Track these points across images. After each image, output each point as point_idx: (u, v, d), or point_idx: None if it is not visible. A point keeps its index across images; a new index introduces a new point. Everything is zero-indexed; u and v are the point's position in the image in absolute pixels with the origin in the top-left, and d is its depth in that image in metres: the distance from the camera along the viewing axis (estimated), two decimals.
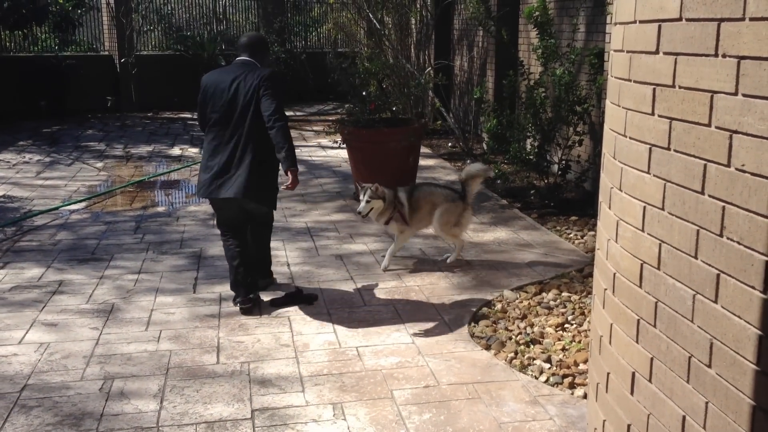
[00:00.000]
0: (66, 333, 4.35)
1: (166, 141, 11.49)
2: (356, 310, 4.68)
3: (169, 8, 15.83)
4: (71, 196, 7.84)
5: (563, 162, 7.21)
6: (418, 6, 10.95)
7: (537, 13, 7.05)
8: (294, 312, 4.65)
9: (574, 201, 7.24)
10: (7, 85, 13.30)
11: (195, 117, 13.97)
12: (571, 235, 6.23)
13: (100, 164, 9.63)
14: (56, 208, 7.28)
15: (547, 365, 3.91)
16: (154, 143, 11.28)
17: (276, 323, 4.49)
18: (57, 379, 3.77)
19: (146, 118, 13.86)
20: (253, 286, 4.69)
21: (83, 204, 7.51)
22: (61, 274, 5.37)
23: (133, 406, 3.51)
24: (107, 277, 5.29)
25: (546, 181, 7.32)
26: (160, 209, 7.42)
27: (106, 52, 15.02)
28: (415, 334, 4.30)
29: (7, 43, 14.47)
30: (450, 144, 10.44)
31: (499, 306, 4.72)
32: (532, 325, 4.42)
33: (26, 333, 4.34)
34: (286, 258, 5.70)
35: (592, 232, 6.16)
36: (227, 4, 16.33)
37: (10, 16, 11.92)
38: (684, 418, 2.06)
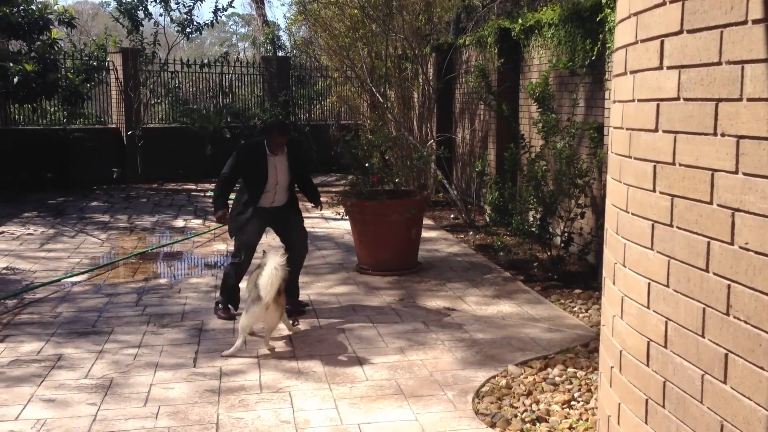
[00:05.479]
0: (64, 409, 4.27)
1: (170, 212, 11.55)
2: (358, 385, 4.61)
3: (177, 82, 16.18)
4: (74, 267, 7.84)
5: (566, 234, 7.21)
6: (420, 80, 11.19)
7: (539, 89, 7.18)
8: (295, 387, 4.58)
9: (578, 273, 7.21)
10: (14, 157, 13.48)
11: (199, 188, 14.22)
12: (576, 309, 6.17)
13: (103, 235, 9.66)
14: (58, 280, 7.26)
15: None
16: (158, 214, 11.34)
17: (277, 398, 4.41)
18: None
19: (151, 189, 13.98)
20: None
21: (85, 276, 7.50)
22: (61, 347, 5.32)
23: None
24: (107, 351, 5.23)
25: (549, 253, 7.31)
26: (162, 281, 7.40)
27: (114, 125, 15.28)
28: (419, 411, 4.22)
29: (16, 116, 14.74)
30: (452, 216, 10.48)
31: (503, 382, 4.63)
32: (537, 402, 4.33)
33: (23, 409, 4.27)
34: (288, 330, 5.65)
35: (596, 306, 6.11)
36: (233, 78, 16.69)
37: (20, 91, 12.11)
38: None
